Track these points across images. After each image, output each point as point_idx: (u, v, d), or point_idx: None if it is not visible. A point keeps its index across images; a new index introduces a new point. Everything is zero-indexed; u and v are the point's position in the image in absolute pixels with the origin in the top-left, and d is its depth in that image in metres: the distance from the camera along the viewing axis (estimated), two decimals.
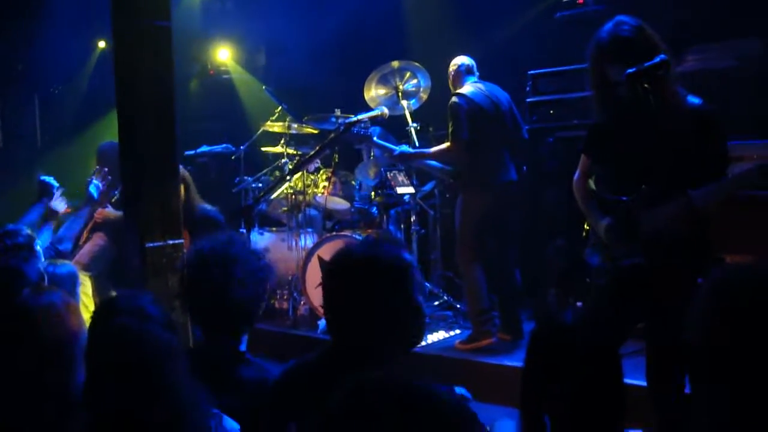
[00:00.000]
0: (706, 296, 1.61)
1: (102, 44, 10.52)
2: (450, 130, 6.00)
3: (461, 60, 6.39)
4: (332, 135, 6.30)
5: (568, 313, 2.20)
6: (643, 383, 3.73)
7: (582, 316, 2.25)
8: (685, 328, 1.63)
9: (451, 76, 6.41)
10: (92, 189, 5.60)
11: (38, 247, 3.62)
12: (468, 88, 6.14)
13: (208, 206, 6.05)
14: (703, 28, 6.29)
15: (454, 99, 6.05)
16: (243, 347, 2.97)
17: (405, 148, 6.46)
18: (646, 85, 3.43)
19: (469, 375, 5.61)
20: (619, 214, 3.74)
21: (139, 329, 2.16)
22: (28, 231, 3.63)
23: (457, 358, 5.90)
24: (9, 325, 2.51)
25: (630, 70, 3.44)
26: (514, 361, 5.50)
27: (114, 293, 6.85)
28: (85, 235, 7.20)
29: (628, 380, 2.21)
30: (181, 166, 5.91)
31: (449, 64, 6.44)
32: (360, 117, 5.81)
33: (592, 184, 3.97)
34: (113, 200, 7.13)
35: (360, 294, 2.38)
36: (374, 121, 6.36)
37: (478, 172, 6.04)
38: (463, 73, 6.32)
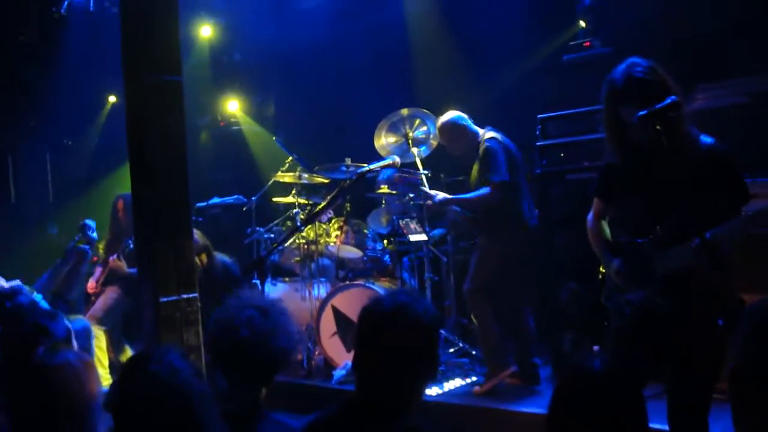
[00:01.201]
0: (754, 323, 1.57)
1: (113, 98, 10.61)
2: (487, 174, 5.95)
3: (457, 113, 6.32)
4: (347, 183, 6.26)
5: (594, 358, 2.18)
6: (665, 427, 3.68)
7: (605, 361, 2.22)
8: (732, 357, 1.60)
9: (457, 131, 6.27)
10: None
11: (41, 301, 3.62)
12: (492, 133, 6.14)
13: (226, 259, 6.08)
14: (712, 66, 6.31)
15: (487, 144, 6.02)
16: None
17: (444, 195, 6.35)
18: (658, 127, 3.44)
19: (485, 422, 5.54)
20: (629, 255, 3.72)
21: (173, 378, 2.20)
22: (27, 288, 3.63)
23: (474, 405, 5.79)
24: (26, 384, 2.52)
25: (642, 113, 3.45)
26: (531, 407, 5.41)
27: (127, 347, 6.87)
28: (99, 288, 7.23)
29: (650, 425, 2.18)
30: (200, 234, 6.00)
31: (443, 122, 6.33)
32: (372, 166, 5.81)
33: (605, 226, 3.96)
34: (126, 251, 7.15)
35: (393, 349, 2.45)
36: None
37: (509, 215, 6.03)
38: (467, 124, 6.27)
